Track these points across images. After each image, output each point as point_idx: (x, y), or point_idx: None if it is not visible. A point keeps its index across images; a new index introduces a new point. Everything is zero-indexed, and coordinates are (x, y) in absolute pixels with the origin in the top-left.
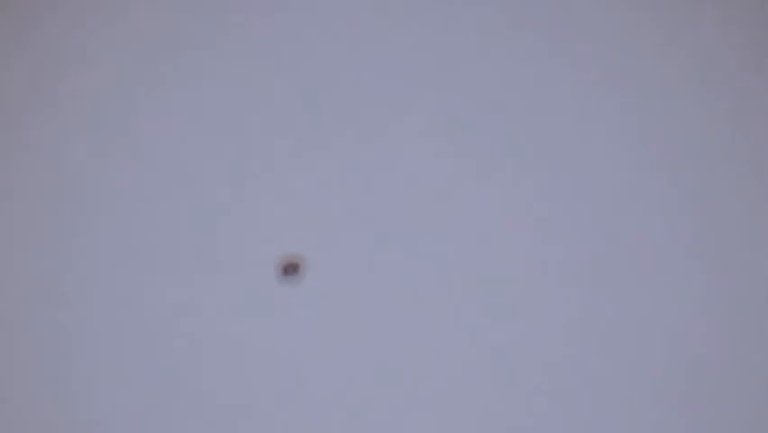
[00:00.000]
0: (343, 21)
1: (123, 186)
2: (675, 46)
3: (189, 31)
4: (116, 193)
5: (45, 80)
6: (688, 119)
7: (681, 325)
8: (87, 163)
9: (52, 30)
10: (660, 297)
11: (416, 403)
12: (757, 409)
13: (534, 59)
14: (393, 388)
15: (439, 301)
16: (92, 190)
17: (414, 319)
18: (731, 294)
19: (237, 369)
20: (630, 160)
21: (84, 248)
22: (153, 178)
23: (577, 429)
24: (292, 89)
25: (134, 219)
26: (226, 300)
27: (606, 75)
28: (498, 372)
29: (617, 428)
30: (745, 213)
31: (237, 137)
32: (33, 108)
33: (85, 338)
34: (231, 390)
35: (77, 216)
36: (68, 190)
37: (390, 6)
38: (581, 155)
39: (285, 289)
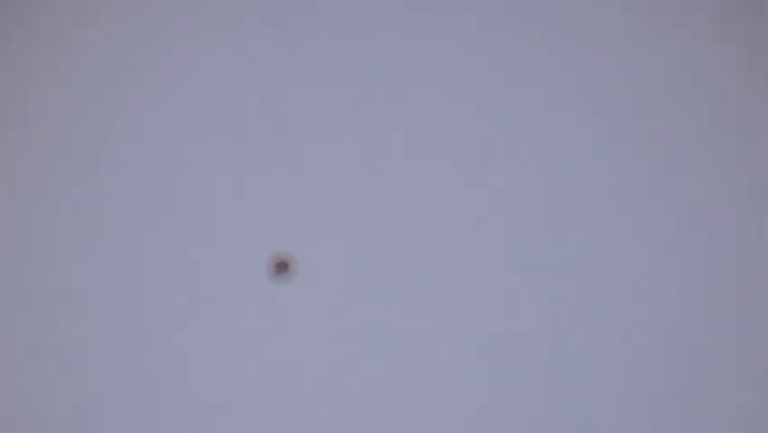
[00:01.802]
0: (342, 24)
1: (118, 186)
2: (674, 47)
3: (188, 32)
4: (110, 193)
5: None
6: (684, 122)
7: (676, 322)
8: (83, 164)
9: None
10: (654, 295)
11: (407, 399)
12: (756, 409)
13: (530, 61)
14: (384, 384)
15: (432, 298)
16: (87, 189)
17: (405, 316)
18: (730, 290)
19: (229, 366)
20: (624, 161)
21: (77, 247)
22: (147, 178)
23: (573, 426)
24: (287, 91)
25: (127, 218)
26: (218, 298)
27: (603, 76)
28: (492, 367)
29: (614, 424)
30: (746, 212)
31: (231, 137)
32: (33, 104)
33: (78, 336)
34: (222, 387)
35: (71, 216)
36: (64, 191)
37: (388, 11)
38: (576, 154)
39: (276, 287)
